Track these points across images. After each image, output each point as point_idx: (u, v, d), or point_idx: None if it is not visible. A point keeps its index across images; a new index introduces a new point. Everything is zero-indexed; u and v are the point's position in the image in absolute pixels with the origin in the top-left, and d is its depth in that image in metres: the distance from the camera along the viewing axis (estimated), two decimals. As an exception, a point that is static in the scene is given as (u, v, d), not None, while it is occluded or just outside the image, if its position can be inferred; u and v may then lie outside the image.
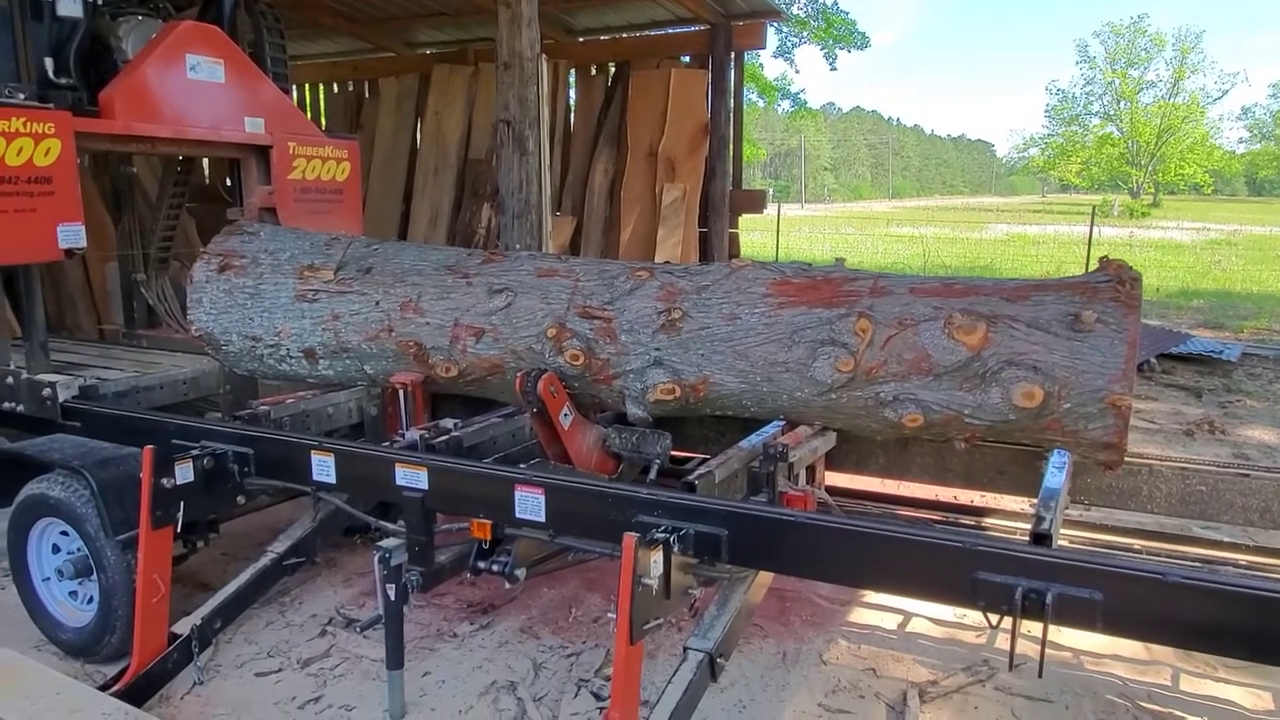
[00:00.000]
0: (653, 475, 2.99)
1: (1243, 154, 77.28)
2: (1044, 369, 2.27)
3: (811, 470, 3.05)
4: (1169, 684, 2.89)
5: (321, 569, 3.84)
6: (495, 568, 2.59)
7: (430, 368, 3.10)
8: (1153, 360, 7.74)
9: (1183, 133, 58.21)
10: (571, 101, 7.97)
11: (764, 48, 7.25)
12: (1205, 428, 6.11)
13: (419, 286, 3.12)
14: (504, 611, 3.45)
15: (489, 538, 2.58)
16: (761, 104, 18.18)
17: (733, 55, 7.23)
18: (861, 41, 15.20)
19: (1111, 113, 62.31)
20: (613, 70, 7.77)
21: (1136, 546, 2.94)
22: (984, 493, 3.15)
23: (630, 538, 2.06)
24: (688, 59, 7.36)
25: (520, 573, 2.61)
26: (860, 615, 3.38)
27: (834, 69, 15.87)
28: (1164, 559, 2.82)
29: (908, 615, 3.33)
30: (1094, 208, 11.50)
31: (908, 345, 2.41)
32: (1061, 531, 2.98)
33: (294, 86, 9.62)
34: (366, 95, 8.87)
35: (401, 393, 3.17)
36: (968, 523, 3.15)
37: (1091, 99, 63.60)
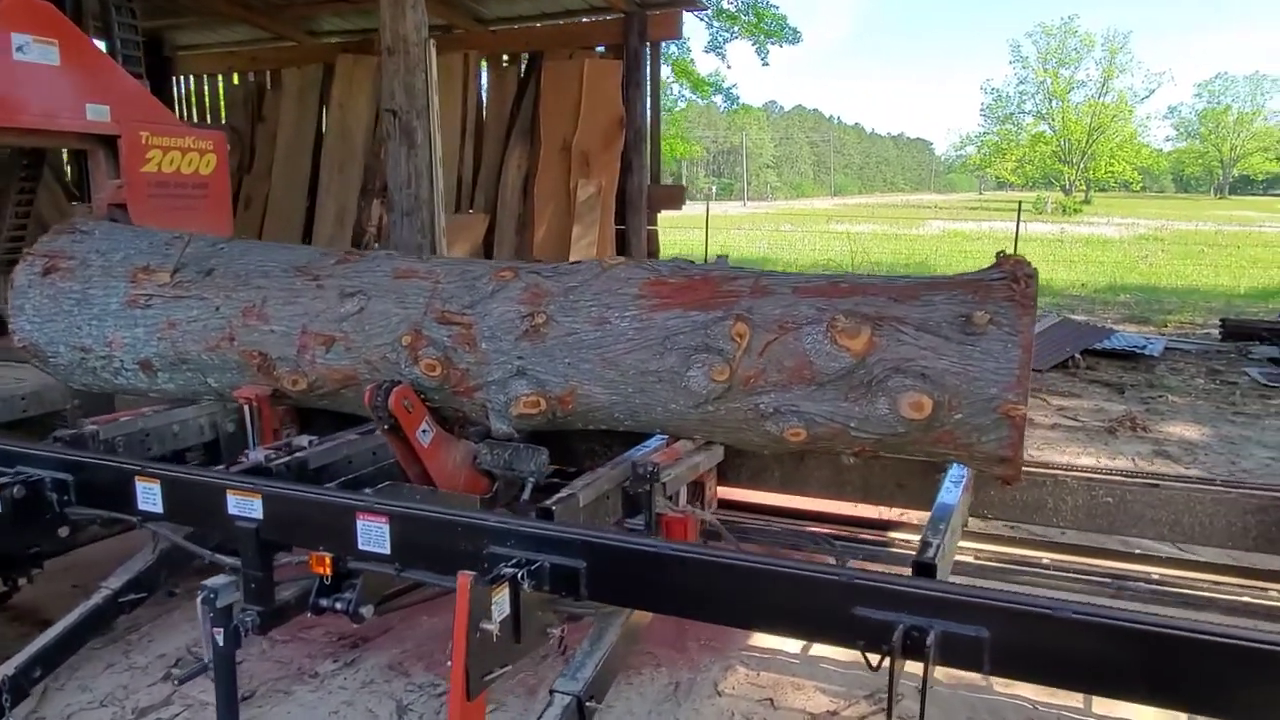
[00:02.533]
0: (526, 495, 2.71)
1: (1170, 152, 79.78)
2: (933, 376, 2.04)
3: (700, 487, 2.81)
4: (1081, 706, 2.71)
5: (182, 601, 3.47)
6: (338, 606, 2.28)
7: (276, 380, 2.78)
8: (1077, 356, 7.69)
9: (1112, 131, 59.81)
10: (484, 93, 7.65)
11: (680, 37, 7.03)
12: (1127, 425, 6.03)
13: (264, 290, 2.80)
14: (375, 645, 3.14)
15: (329, 573, 2.27)
16: (697, 100, 17.99)
17: (648, 45, 6.98)
18: (793, 37, 15.10)
19: (1044, 111, 63.79)
20: (525, 61, 7.46)
21: (1044, 561, 2.75)
22: (888, 507, 2.93)
23: (465, 577, 1.78)
24: (603, 49, 7.10)
25: (366, 610, 2.30)
26: (763, 638, 3.14)
27: (765, 64, 15.77)
28: (1071, 575, 2.63)
29: (810, 638, 3.10)
30: (1019, 204, 11.52)
31: (788, 351, 2.17)
32: (967, 546, 2.78)
33: (189, 77, 9.17)
34: (269, 86, 8.43)
35: (247, 408, 2.84)
36: (870, 538, 2.93)
37: (1025, 98, 65.06)
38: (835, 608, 1.73)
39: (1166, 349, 8.31)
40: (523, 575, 1.89)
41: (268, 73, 8.43)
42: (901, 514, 3.23)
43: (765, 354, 2.18)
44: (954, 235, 26.07)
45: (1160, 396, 6.80)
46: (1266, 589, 2.53)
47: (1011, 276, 2.10)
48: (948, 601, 1.65)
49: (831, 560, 2.84)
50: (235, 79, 8.72)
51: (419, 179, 4.50)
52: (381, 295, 2.66)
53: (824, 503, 3.19)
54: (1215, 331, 9.43)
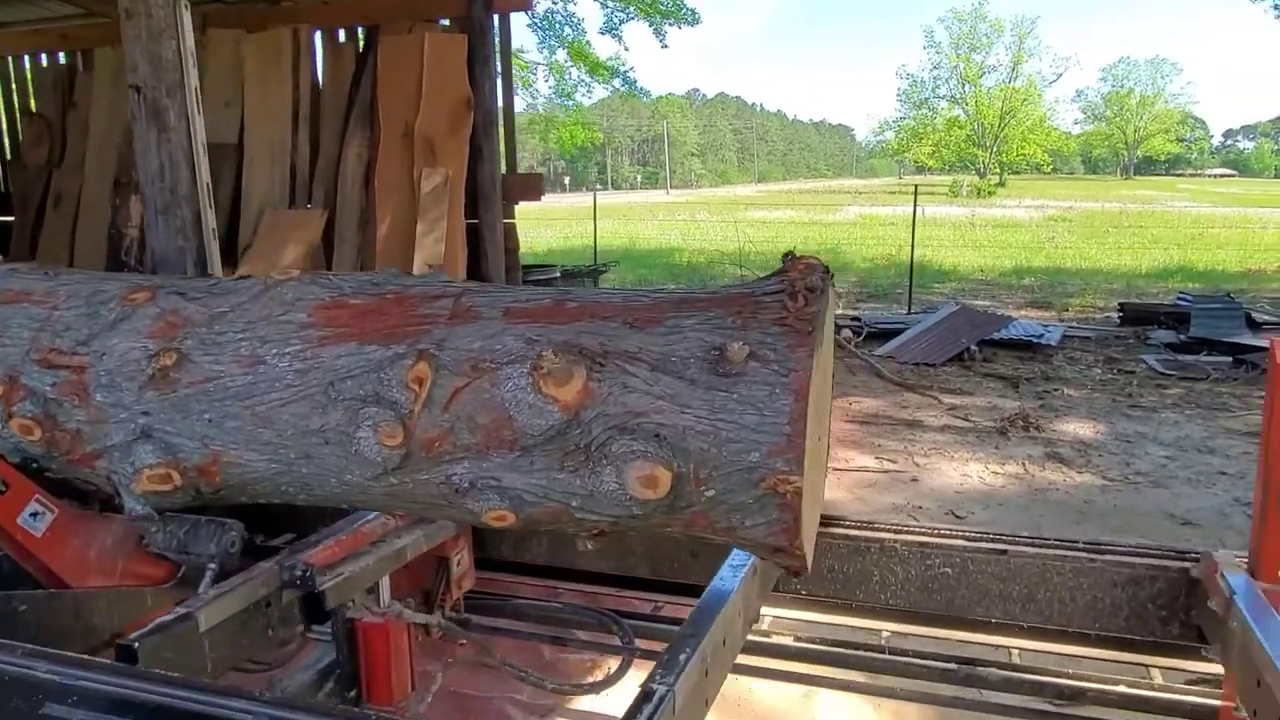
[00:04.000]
0: (203, 589, 2.03)
1: (1078, 134, 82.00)
2: (671, 438, 1.42)
3: (443, 565, 2.16)
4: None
5: None
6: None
7: None
8: (974, 348, 7.28)
9: (1023, 114, 61.07)
10: (319, 74, 6.83)
11: (530, 8, 6.34)
12: (1020, 424, 5.59)
13: None
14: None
15: None
16: (604, 88, 17.30)
17: (495, 17, 6.27)
18: (691, 18, 14.48)
19: (957, 96, 64.81)
20: (363, 37, 6.67)
21: (884, 635, 2.17)
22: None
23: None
24: (446, 23, 6.37)
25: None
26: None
27: (665, 46, 15.09)
28: (910, 658, 2.06)
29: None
30: (915, 188, 11.16)
31: (482, 403, 1.52)
32: (790, 618, 2.20)
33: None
34: (80, 69, 7.45)
35: None
36: (678, 609, 2.32)
37: (939, 83, 66.03)
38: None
39: (1065, 336, 7.97)
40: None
41: (79, 53, 7.44)
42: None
43: (452, 407, 1.54)
44: (869, 220, 25.93)
45: (1056, 390, 6.40)
46: (1150, 666, 2.00)
47: (790, 289, 1.49)
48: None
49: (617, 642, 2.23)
50: (44, 60, 7.71)
51: (174, 169, 3.74)
52: (-18, 327, 1.93)
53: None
54: (1116, 315, 9.16)
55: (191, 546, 2.10)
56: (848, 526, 1.99)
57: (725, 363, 1.44)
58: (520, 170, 6.97)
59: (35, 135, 7.61)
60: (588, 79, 16.41)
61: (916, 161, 71.43)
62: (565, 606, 2.36)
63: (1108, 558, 1.81)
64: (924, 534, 1.94)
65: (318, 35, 6.78)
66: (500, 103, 6.37)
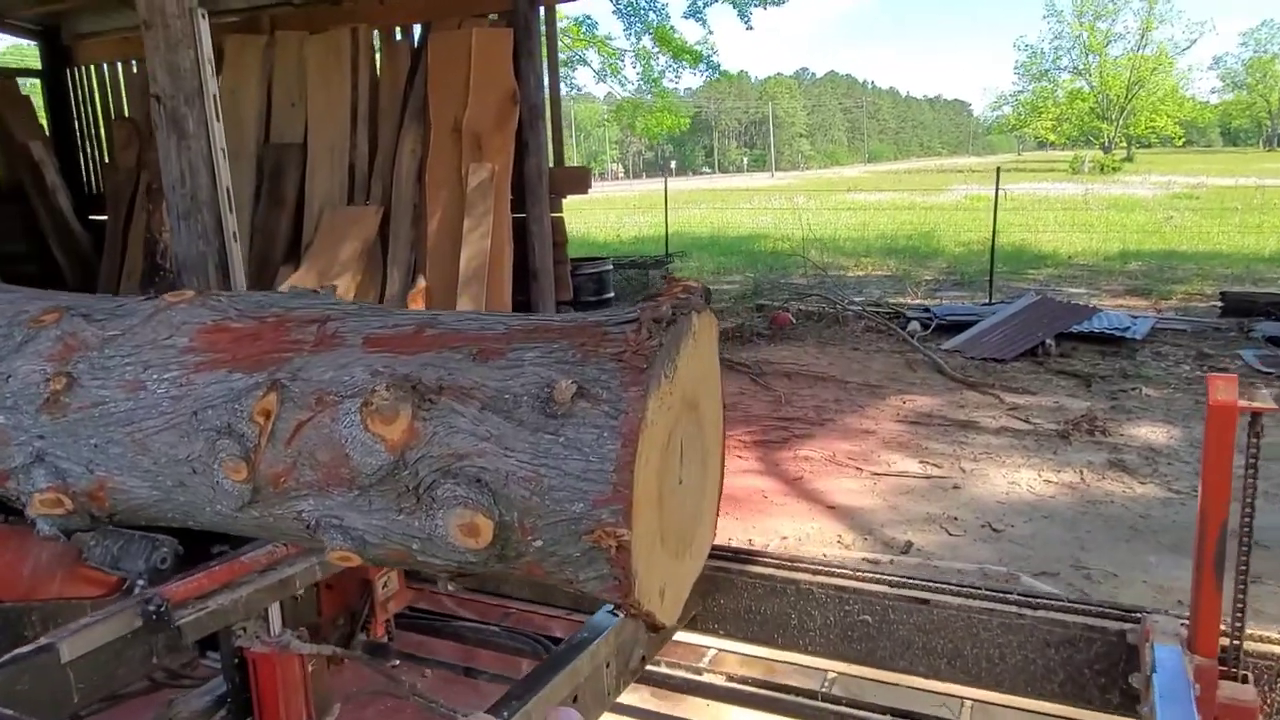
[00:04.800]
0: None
1: (1216, 104, 76.36)
2: (493, 483, 1.32)
3: (369, 588, 2.13)
4: None
5: None
6: None
7: None
8: (1049, 342, 6.82)
9: (1152, 84, 57.26)
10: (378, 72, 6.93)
11: (573, -1, 6.21)
12: (1084, 427, 5.20)
13: None
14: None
15: None
16: (685, 70, 17.00)
17: (541, 10, 6.22)
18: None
19: (1080, 67, 61.27)
20: (418, 34, 6.73)
21: (828, 674, 2.02)
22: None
23: None
24: (495, 17, 6.35)
25: None
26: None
27: (749, 28, 14.69)
28: (845, 706, 1.90)
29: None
30: (998, 170, 10.47)
31: (323, 439, 1.46)
32: (714, 645, 2.07)
33: (89, 66, 8.61)
34: (164, 75, 7.79)
35: None
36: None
37: (1060, 53, 62.55)
38: None
39: (1155, 329, 7.38)
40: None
41: (162, 59, 7.79)
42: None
43: (295, 442, 1.48)
44: (974, 201, 24.82)
45: (1133, 390, 5.93)
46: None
47: (639, 320, 1.37)
48: None
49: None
50: (135, 67, 8.10)
51: (194, 175, 3.82)
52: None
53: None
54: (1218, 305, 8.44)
55: (123, 562, 2.13)
56: (766, 564, 1.85)
57: (553, 403, 1.33)
58: (579, 164, 6.91)
59: (125, 138, 8.01)
60: (674, 64, 16.21)
61: (1037, 136, 68.01)
62: (501, 630, 2.29)
63: (1040, 614, 1.61)
64: (843, 576, 1.78)
65: (376, 34, 6.89)
66: (546, 95, 6.33)
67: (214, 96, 3.95)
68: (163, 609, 1.58)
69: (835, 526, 4.09)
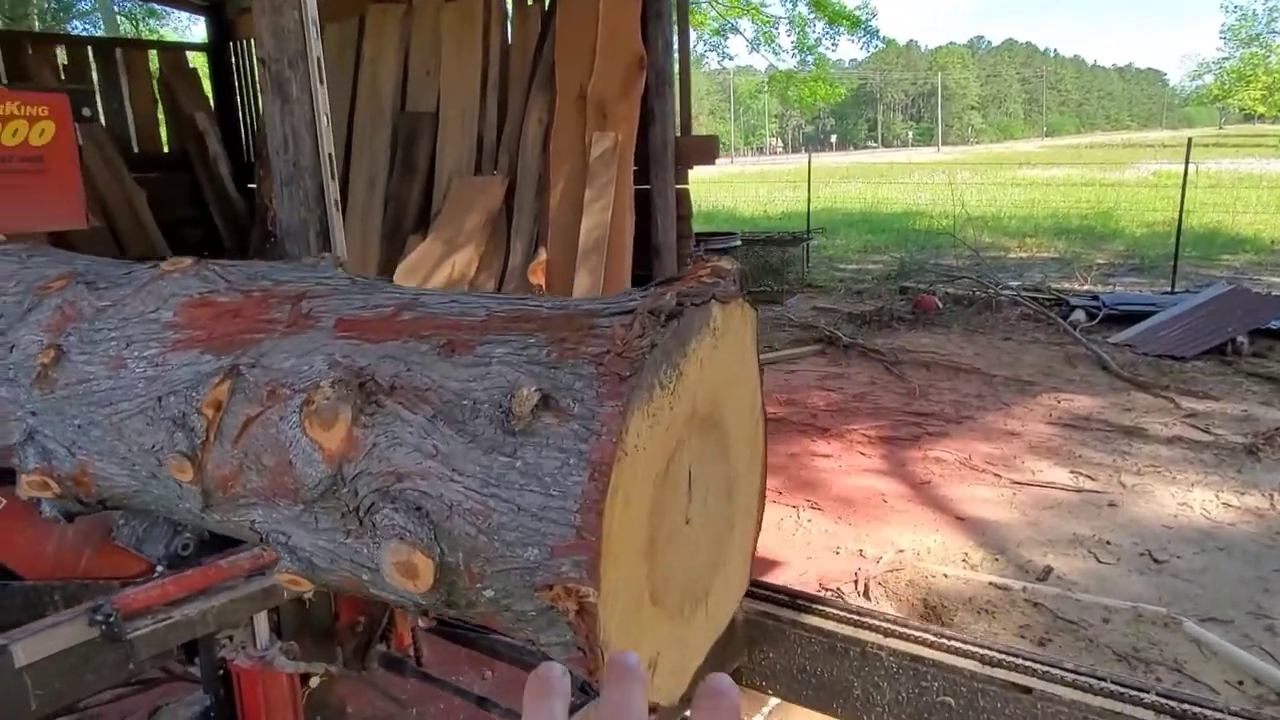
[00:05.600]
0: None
1: None
2: (435, 515, 1.05)
3: (372, 628, 1.93)
4: None
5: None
6: None
7: None
8: (1241, 339, 5.93)
9: (1389, 48, 50.44)
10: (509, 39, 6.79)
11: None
12: (1279, 442, 4.43)
13: None
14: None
15: None
16: (843, 38, 16.11)
17: (672, -31, 5.87)
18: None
19: (1301, 29, 54.73)
20: (549, -1, 6.54)
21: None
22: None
23: None
24: (625, -23, 6.05)
25: None
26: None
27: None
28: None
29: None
30: (1190, 140, 9.16)
31: (269, 439, 1.23)
32: None
33: (248, 40, 8.95)
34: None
35: None
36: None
37: (1276, 16, 56.06)
38: None
39: (1380, 329, 6.29)
40: None
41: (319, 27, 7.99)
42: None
43: (243, 440, 1.26)
44: (1164, 178, 22.58)
45: (1346, 401, 5.04)
46: None
47: (636, 315, 1.05)
48: None
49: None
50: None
51: (297, 141, 3.76)
52: (-54, 311, 1.93)
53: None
54: None
55: (145, 545, 2.01)
56: (825, 616, 1.49)
57: (512, 416, 1.03)
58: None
59: (275, 109, 8.29)
60: (830, 30, 15.40)
61: (1243, 109, 61.56)
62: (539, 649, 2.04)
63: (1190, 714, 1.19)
64: (921, 643, 1.40)
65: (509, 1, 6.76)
66: (675, 61, 5.99)
67: (318, 60, 3.88)
68: (112, 619, 1.41)
69: (962, 541, 3.61)
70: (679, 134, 6.14)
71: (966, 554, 3.49)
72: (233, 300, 1.54)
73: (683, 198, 6.12)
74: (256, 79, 8.93)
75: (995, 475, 4.30)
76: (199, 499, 1.36)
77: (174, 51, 9.10)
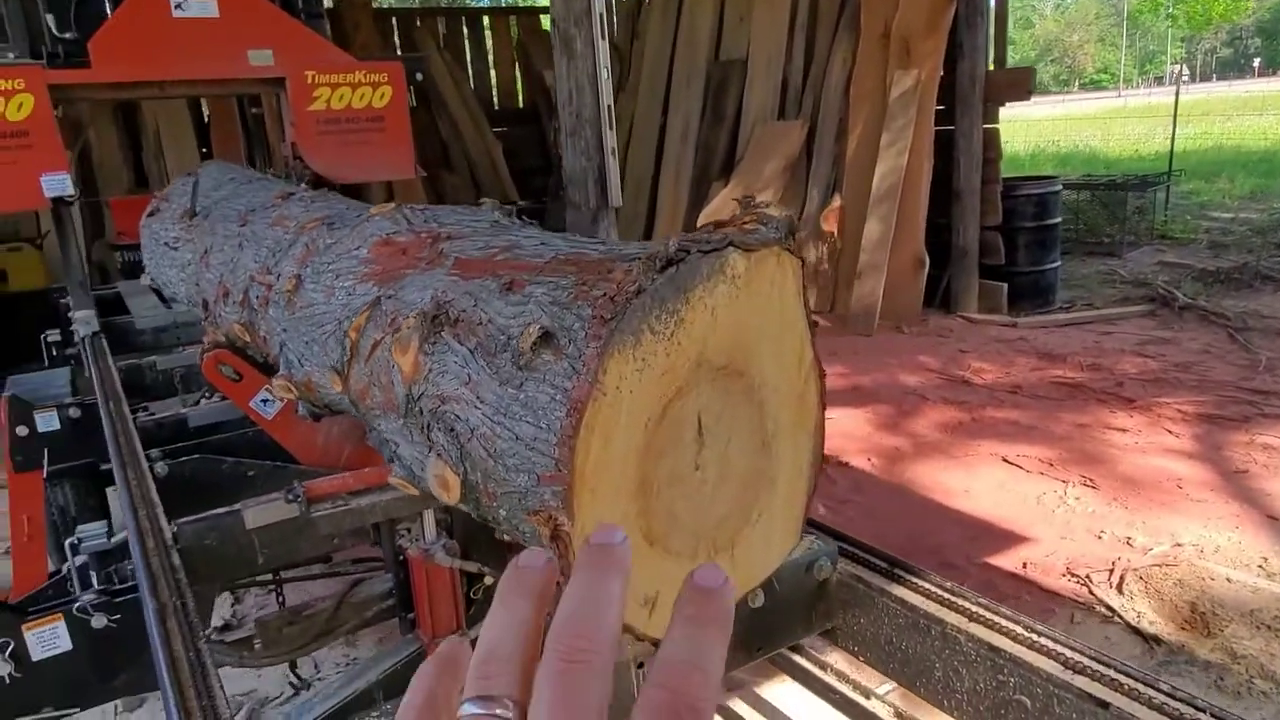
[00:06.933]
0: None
1: None
2: (461, 435, 1.19)
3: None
4: None
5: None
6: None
7: (216, 331, 2.76)
8: None
9: None
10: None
11: None
12: None
13: (214, 236, 2.77)
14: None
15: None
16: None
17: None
18: None
19: None
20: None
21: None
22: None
23: None
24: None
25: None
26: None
27: None
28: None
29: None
30: None
31: (384, 361, 1.45)
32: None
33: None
34: (647, 3, 8.40)
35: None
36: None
37: None
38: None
39: None
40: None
41: (647, -12, 8.41)
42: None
43: (371, 360, 1.49)
44: None
45: None
46: None
47: (640, 260, 1.09)
48: None
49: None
50: (629, -1, 8.86)
51: (579, 94, 4.03)
52: (254, 242, 2.44)
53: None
54: None
55: (382, 449, 2.40)
56: (912, 587, 1.42)
57: (520, 351, 1.12)
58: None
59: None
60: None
61: None
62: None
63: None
64: (1001, 632, 1.28)
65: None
66: (992, -14, 5.44)
67: (600, 16, 4.11)
68: (300, 499, 1.73)
69: (1264, 544, 3.05)
70: (990, 68, 5.61)
71: (1266, 559, 2.94)
72: (406, 240, 1.77)
73: (991, 138, 5.61)
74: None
75: (1348, 473, 3.53)
76: (352, 408, 1.62)
77: (530, 15, 10.03)
